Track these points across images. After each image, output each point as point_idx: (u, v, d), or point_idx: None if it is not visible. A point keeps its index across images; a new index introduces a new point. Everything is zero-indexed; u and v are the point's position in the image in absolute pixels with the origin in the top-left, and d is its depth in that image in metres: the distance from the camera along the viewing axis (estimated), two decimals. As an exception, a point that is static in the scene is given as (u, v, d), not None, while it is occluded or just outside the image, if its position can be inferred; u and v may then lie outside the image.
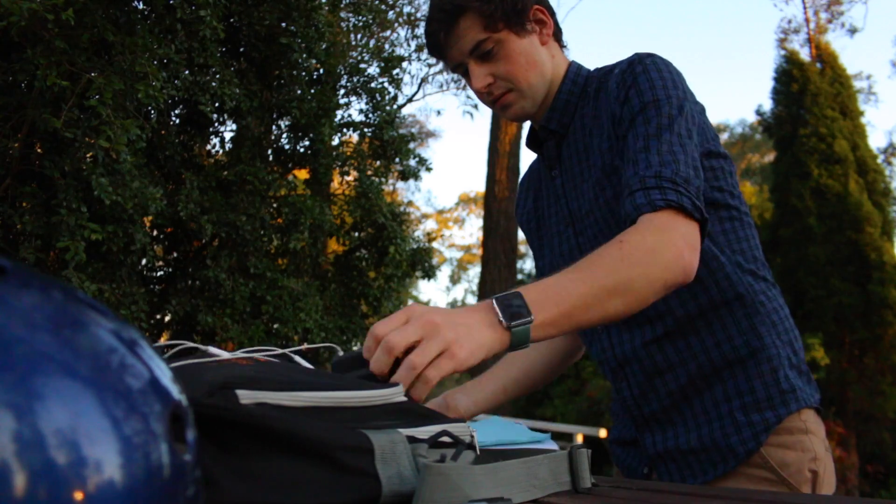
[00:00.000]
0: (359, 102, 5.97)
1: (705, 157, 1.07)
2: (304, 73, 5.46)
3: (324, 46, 5.32)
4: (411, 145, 6.07)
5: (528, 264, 19.01)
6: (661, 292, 0.90)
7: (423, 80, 12.48)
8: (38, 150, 4.23)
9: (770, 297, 1.10)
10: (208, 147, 5.69)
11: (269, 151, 5.76)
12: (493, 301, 0.78)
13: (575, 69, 1.17)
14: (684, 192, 0.94)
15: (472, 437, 0.64)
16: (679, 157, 0.97)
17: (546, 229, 1.24)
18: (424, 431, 0.60)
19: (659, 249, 0.89)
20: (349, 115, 6.13)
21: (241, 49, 5.28)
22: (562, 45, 1.19)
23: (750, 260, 1.10)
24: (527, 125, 1.27)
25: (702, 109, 1.10)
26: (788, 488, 1.02)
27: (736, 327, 1.07)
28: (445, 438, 0.60)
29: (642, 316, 1.10)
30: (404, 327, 0.71)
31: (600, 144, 1.10)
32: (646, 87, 1.03)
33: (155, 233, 5.28)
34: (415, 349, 0.70)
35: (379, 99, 5.81)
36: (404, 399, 0.63)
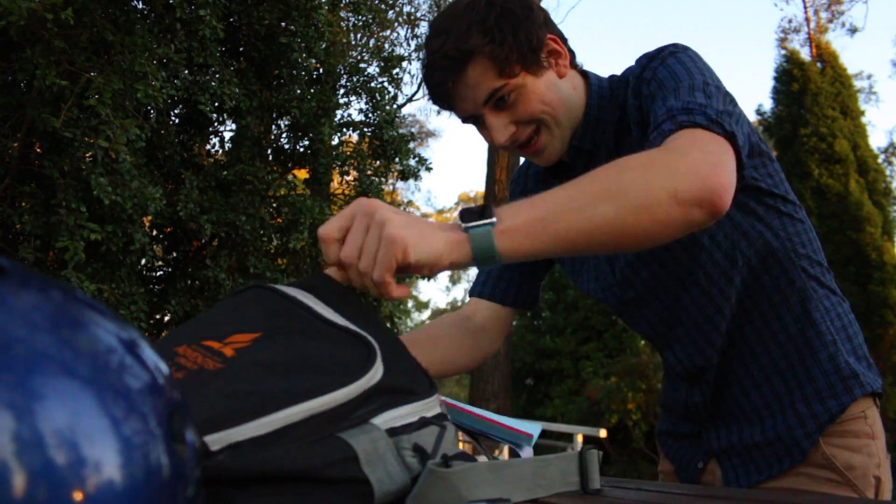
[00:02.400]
0: (358, 102, 5.97)
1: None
2: (303, 73, 5.46)
3: (323, 46, 5.33)
4: (411, 145, 6.07)
5: (527, 264, 18.99)
6: (674, 207, 0.72)
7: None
8: (38, 150, 4.23)
9: (823, 282, 1.06)
10: (208, 147, 5.69)
11: (269, 151, 5.76)
12: (460, 211, 0.70)
13: (596, 85, 1.05)
14: (699, 112, 0.81)
15: (441, 409, 0.62)
16: (696, 94, 0.85)
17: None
18: (400, 414, 0.58)
19: (665, 158, 0.76)
20: (349, 115, 6.13)
21: (241, 49, 5.28)
22: (579, 68, 1.07)
23: (798, 245, 1.05)
24: None
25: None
26: (854, 492, 1.00)
27: (791, 315, 1.03)
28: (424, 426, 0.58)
29: (707, 327, 1.06)
30: (341, 215, 0.68)
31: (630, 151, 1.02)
32: (664, 75, 0.92)
33: (154, 233, 5.28)
34: (345, 242, 0.66)
35: (379, 99, 5.81)
36: (381, 377, 0.58)
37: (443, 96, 0.99)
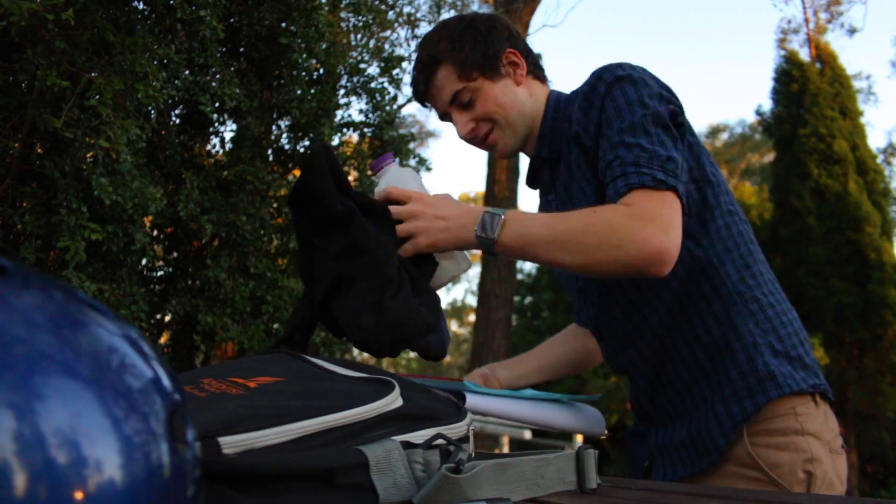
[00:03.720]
0: (359, 102, 5.96)
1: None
2: (304, 73, 5.46)
3: (324, 46, 5.33)
4: (411, 145, 6.06)
5: (528, 264, 19.00)
6: (615, 267, 0.95)
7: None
8: (39, 150, 4.23)
9: (751, 285, 1.10)
10: (208, 147, 5.69)
11: (269, 151, 5.75)
12: (483, 212, 1.00)
13: (555, 98, 1.21)
14: (646, 171, 0.97)
15: (468, 434, 0.64)
16: (642, 141, 1.00)
17: None
18: (420, 436, 0.59)
19: (619, 230, 0.93)
20: (349, 115, 6.12)
21: (241, 49, 5.28)
22: (543, 79, 1.25)
23: (722, 251, 1.10)
24: (524, 168, 1.35)
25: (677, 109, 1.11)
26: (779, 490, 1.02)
27: (714, 319, 1.09)
28: (440, 441, 0.59)
29: (628, 330, 1.15)
30: (404, 207, 1.00)
31: (580, 169, 1.14)
32: (611, 110, 1.07)
33: (155, 233, 5.28)
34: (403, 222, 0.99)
35: (379, 99, 5.81)
36: (400, 405, 0.62)
37: (421, 96, 1.20)
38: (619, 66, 1.10)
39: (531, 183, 1.31)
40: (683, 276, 1.09)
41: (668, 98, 1.08)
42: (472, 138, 1.19)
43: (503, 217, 0.98)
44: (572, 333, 1.47)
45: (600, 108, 1.07)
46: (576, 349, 1.44)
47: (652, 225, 0.93)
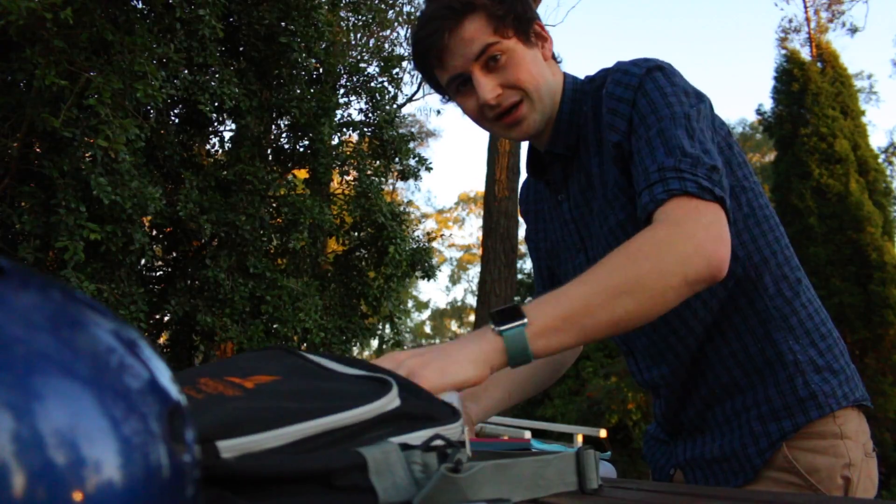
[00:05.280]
0: (358, 102, 5.97)
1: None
2: (303, 73, 5.46)
3: (323, 46, 5.33)
4: (411, 145, 6.07)
5: (527, 264, 19.01)
6: (684, 289, 0.80)
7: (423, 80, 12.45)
8: (37, 150, 4.23)
9: (788, 297, 1.04)
10: (207, 147, 5.69)
11: (269, 151, 5.76)
12: (490, 313, 0.76)
13: (570, 86, 1.07)
14: (689, 177, 0.85)
15: (463, 436, 0.64)
16: (684, 142, 0.89)
17: (556, 257, 1.19)
18: (418, 437, 0.60)
19: (671, 241, 0.81)
20: (349, 115, 6.13)
21: (241, 48, 5.28)
22: (558, 63, 1.11)
23: (769, 257, 1.04)
24: (524, 151, 1.20)
25: (710, 106, 1.02)
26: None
27: (751, 335, 1.02)
28: (438, 442, 0.59)
29: (661, 349, 1.07)
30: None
31: (601, 168, 1.03)
32: (644, 105, 0.96)
33: (154, 233, 5.28)
34: None
35: (379, 98, 5.81)
36: (398, 405, 0.62)
37: (434, 50, 0.99)
38: (646, 59, 1.00)
39: (536, 172, 1.17)
40: (722, 295, 1.01)
41: (700, 94, 0.99)
42: (493, 108, 1.00)
43: (517, 305, 0.77)
44: None
45: (632, 101, 0.96)
46: (540, 365, 1.25)
47: (704, 231, 0.82)
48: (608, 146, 1.00)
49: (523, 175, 1.32)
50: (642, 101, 0.95)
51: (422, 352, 0.74)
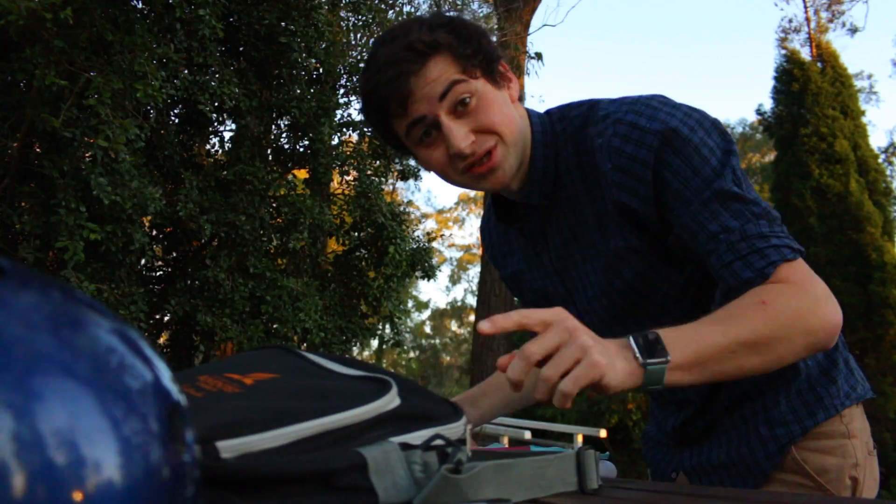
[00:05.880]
0: (358, 102, 5.95)
1: None
2: (303, 73, 5.46)
3: (323, 46, 5.32)
4: (411, 145, 6.05)
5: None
6: (802, 354, 0.85)
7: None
8: (37, 150, 4.23)
9: None
10: (207, 147, 5.69)
11: (269, 151, 5.76)
12: (630, 338, 0.74)
13: (539, 128, 0.99)
14: (778, 242, 0.86)
15: (465, 435, 0.64)
16: (748, 199, 0.88)
17: (546, 299, 1.13)
18: (418, 437, 0.59)
19: (804, 315, 0.83)
20: (349, 115, 6.13)
21: (241, 48, 5.28)
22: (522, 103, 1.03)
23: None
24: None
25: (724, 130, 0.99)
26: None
27: None
28: (438, 441, 0.59)
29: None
30: (543, 334, 0.71)
31: (601, 224, 0.97)
32: (679, 165, 0.90)
33: (154, 233, 5.28)
34: (549, 360, 0.69)
35: (379, 98, 5.80)
36: (398, 405, 0.62)
37: (396, 96, 0.90)
38: (650, 106, 0.92)
39: (506, 219, 1.09)
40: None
41: (721, 129, 0.94)
42: (468, 156, 0.91)
43: (655, 332, 0.76)
44: None
45: (651, 163, 0.89)
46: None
47: (825, 301, 0.85)
48: (607, 202, 0.95)
49: (483, 222, 1.23)
50: (675, 160, 0.89)
51: (593, 335, 0.73)
